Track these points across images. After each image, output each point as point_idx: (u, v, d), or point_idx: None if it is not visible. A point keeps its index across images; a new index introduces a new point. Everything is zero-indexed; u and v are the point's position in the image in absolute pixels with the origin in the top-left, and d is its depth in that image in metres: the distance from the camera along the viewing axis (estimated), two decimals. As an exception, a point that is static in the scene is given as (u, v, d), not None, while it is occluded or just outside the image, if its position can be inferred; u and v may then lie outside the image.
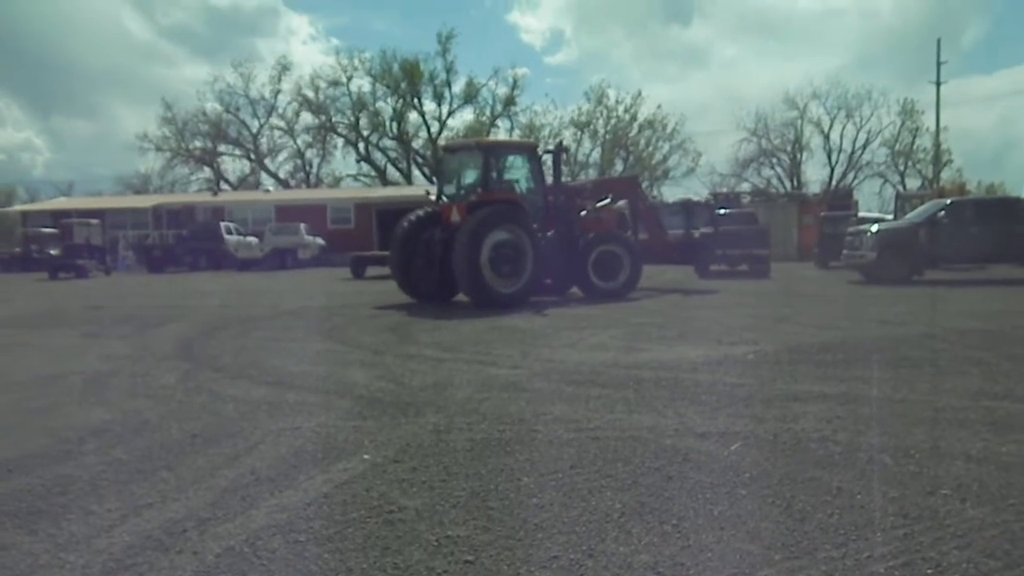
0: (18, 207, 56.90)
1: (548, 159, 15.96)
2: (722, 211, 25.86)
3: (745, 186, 56.70)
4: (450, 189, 15.09)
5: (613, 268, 14.87)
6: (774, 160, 61.13)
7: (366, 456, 4.49)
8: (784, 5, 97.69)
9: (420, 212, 14.76)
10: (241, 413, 5.64)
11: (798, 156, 61.08)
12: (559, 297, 14.98)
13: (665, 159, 61.94)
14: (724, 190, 49.76)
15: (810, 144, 61.23)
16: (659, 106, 60.77)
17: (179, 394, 6.42)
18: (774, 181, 60.43)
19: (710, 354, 7.78)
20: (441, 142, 61.86)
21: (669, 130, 60.73)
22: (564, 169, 17.82)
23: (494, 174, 14.28)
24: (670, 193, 58.85)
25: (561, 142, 17.71)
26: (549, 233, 14.57)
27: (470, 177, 14.64)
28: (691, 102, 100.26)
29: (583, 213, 15.37)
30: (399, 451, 4.59)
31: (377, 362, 7.82)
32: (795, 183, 59.37)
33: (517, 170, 15.13)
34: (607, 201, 16.02)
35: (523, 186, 15.01)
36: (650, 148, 61.73)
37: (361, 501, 3.75)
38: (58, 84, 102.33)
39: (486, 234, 13.15)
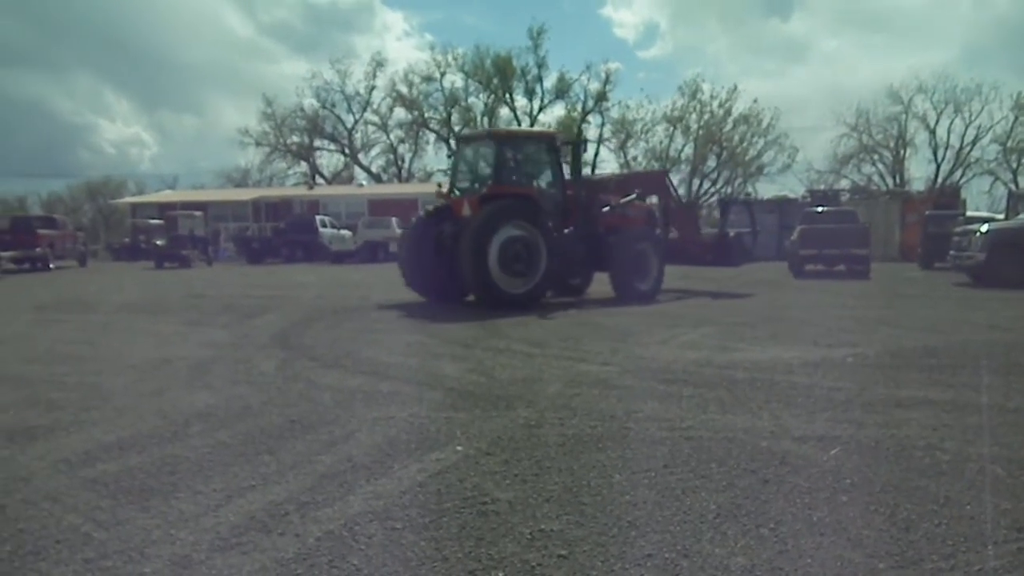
0: (127, 199, 59.75)
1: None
2: (819, 209, 25.12)
3: (844, 183, 54.84)
4: (463, 182, 14.28)
5: (645, 268, 14.20)
6: (875, 156, 58.89)
7: (459, 447, 4.55)
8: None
9: (431, 207, 14.10)
10: (337, 401, 5.79)
11: (901, 152, 58.70)
12: (576, 298, 14.38)
13: (760, 155, 60.33)
14: (822, 187, 48.23)
15: (914, 140, 58.74)
16: (755, 100, 59.29)
17: (278, 381, 6.62)
18: (875, 178, 58.25)
19: (806, 356, 7.57)
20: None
21: (764, 125, 59.14)
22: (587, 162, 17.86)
23: (508, 166, 13.55)
24: (765, 190, 57.40)
25: (581, 133, 17.63)
26: (567, 230, 13.79)
27: (484, 169, 13.80)
28: (789, 97, 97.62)
29: (606, 209, 14.61)
30: (491, 443, 4.62)
31: (467, 355, 7.90)
32: (898, 180, 57.10)
33: (534, 163, 14.27)
34: (632, 197, 15.00)
35: (540, 180, 14.19)
36: (744, 144, 60.23)
37: (455, 491, 3.79)
38: (165, 81, 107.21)
39: (495, 230, 12.43)
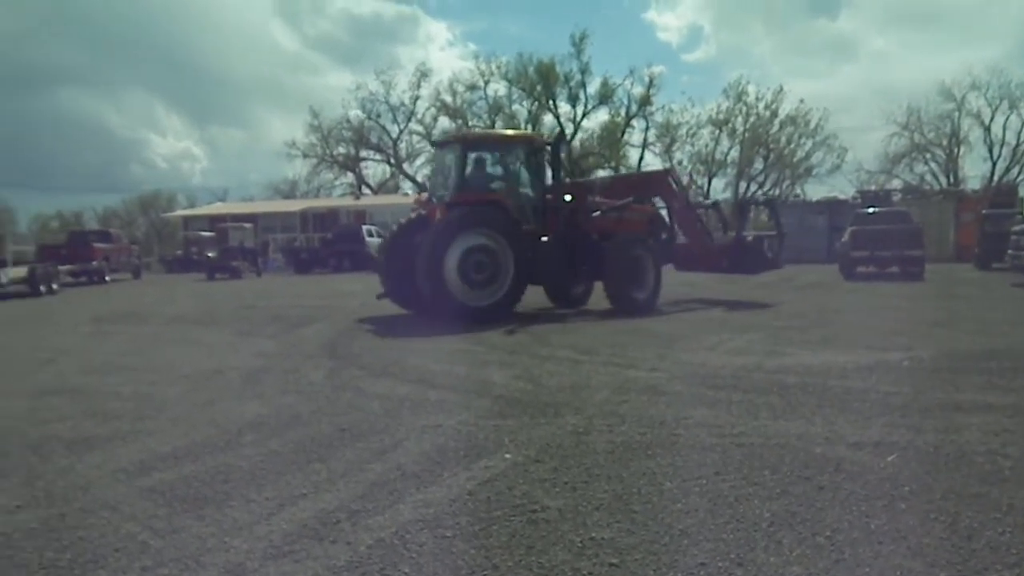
0: (179, 212, 61.04)
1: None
2: (871, 210, 24.62)
3: (896, 183, 53.65)
4: (440, 188, 13.36)
5: (640, 276, 12.96)
6: (928, 155, 57.50)
7: (507, 455, 4.54)
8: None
9: (412, 215, 13.48)
10: (386, 410, 5.82)
11: (955, 150, 57.19)
12: (574, 309, 13.41)
13: (808, 156, 59.37)
14: (872, 187, 47.27)
15: (968, 138, 57.18)
16: (801, 101, 58.53)
17: (327, 390, 6.69)
18: (928, 177, 56.85)
19: (860, 360, 7.42)
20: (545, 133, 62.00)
21: (812, 126, 58.21)
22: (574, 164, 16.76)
23: (477, 172, 12.87)
24: (814, 191, 56.47)
25: (561, 132, 16.34)
26: (544, 238, 12.76)
27: (453, 175, 12.85)
28: (836, 97, 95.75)
29: (596, 213, 13.45)
30: (540, 451, 4.61)
31: (513, 362, 7.89)
32: (951, 179, 55.72)
33: (509, 167, 13.38)
34: (629, 200, 13.91)
35: (516, 184, 13.24)
36: (791, 145, 59.38)
37: (504, 499, 3.79)
38: (214, 96, 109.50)
39: (453, 239, 11.75)
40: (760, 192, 60.95)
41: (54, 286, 23.15)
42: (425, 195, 14.21)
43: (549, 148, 13.41)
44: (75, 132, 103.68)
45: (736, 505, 3.63)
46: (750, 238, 15.24)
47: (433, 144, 14.65)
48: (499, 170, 13.35)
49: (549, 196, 13.06)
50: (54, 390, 7.03)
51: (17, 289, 21.41)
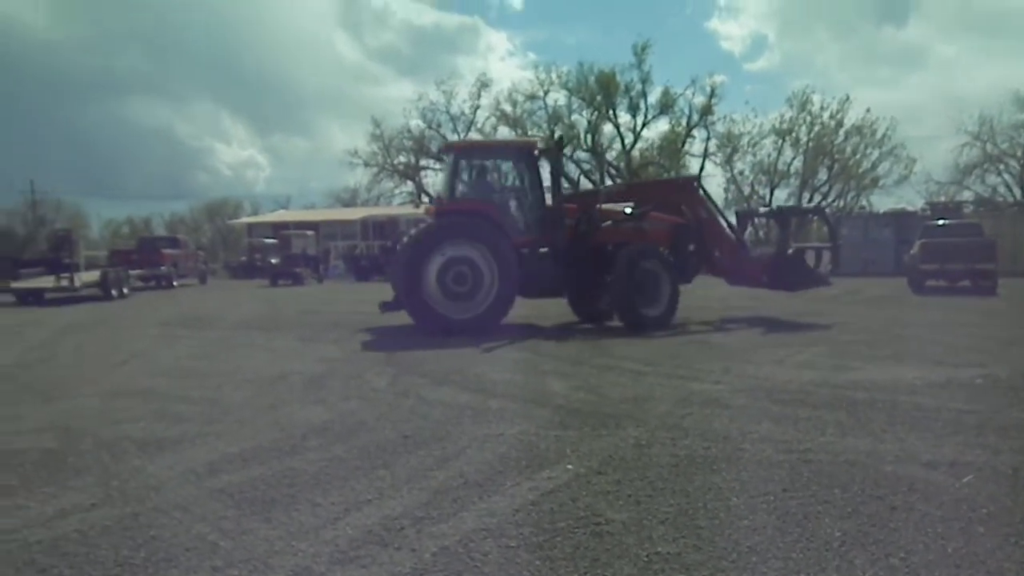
0: (244, 220, 62.40)
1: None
2: (941, 222, 23.95)
3: (967, 195, 52.04)
4: (445, 196, 12.93)
5: (654, 290, 12.02)
6: (1001, 166, 55.53)
7: (569, 466, 4.52)
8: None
9: (423, 225, 12.82)
10: (447, 417, 5.85)
11: (1029, 161, 55.34)
12: (593, 325, 12.69)
13: (874, 167, 57.99)
14: (942, 199, 45.94)
15: (1044, 148, 55.29)
16: (868, 110, 57.14)
17: (389, 397, 6.75)
18: (1000, 189, 55.07)
19: (930, 376, 7.21)
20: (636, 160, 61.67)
21: (879, 136, 56.89)
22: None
23: (467, 180, 12.61)
24: (880, 203, 55.12)
25: (559, 136, 14.33)
26: (543, 249, 12.28)
27: (447, 183, 12.70)
28: (904, 106, 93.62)
29: (607, 223, 12.57)
30: (602, 463, 4.58)
31: (574, 372, 7.86)
32: (1025, 191, 53.86)
33: (502, 175, 13.03)
34: (638, 209, 12.86)
35: (509, 193, 12.89)
36: (857, 155, 58.11)
37: (567, 511, 3.77)
38: (278, 105, 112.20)
39: (431, 250, 11.48)
40: (823, 202, 59.80)
41: (125, 290, 23.84)
42: (433, 205, 13.93)
43: (545, 154, 12.85)
44: (144, 140, 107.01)
45: (805, 523, 3.55)
46: (791, 251, 13.88)
47: (439, 152, 13.62)
48: (493, 178, 13.00)
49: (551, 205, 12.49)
50: (126, 392, 7.23)
51: (90, 292, 22.10)
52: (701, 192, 13.84)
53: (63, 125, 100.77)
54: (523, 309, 13.33)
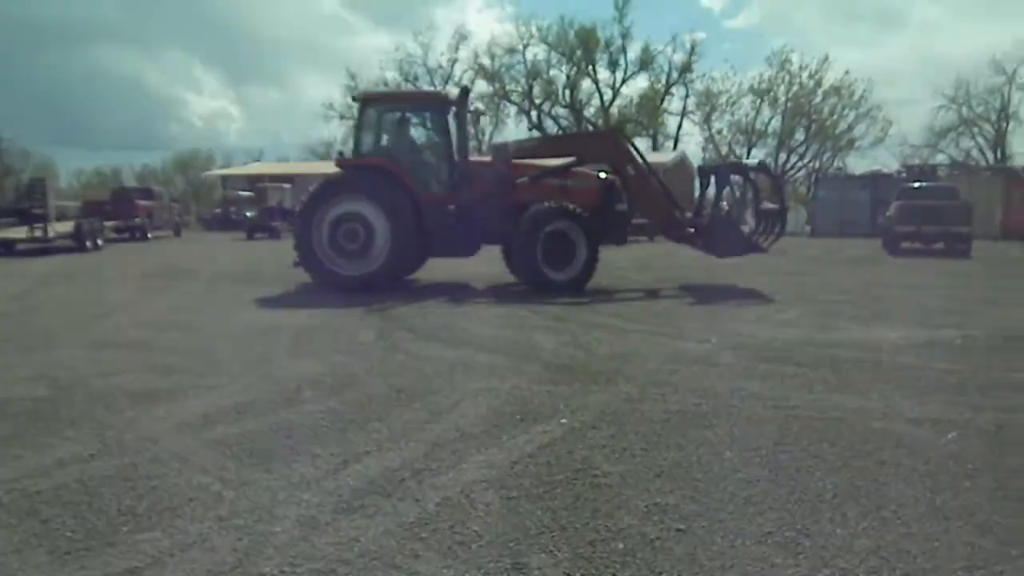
0: (217, 171, 61.53)
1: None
2: (917, 184, 24.18)
3: (941, 158, 52.50)
4: (353, 150, 12.54)
5: (565, 253, 11.20)
6: (975, 130, 56.12)
7: (563, 420, 4.58)
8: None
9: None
10: (438, 372, 5.88)
11: (1003, 126, 55.80)
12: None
13: (851, 128, 58.29)
14: (916, 162, 46.33)
15: (1018, 113, 55.75)
16: (847, 71, 57.22)
17: (378, 351, 6.77)
18: (974, 153, 55.60)
19: (912, 336, 7.35)
20: (613, 111, 61.43)
21: (856, 97, 57.06)
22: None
23: (374, 133, 12.25)
24: (856, 165, 55.45)
25: (464, 87, 12.87)
26: (451, 207, 11.80)
27: (353, 136, 12.42)
28: (882, 67, 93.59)
29: (522, 180, 11.76)
30: (595, 417, 4.64)
31: (561, 329, 7.92)
32: (999, 155, 54.41)
33: (411, 128, 12.58)
34: (569, 162, 12.03)
35: (416, 147, 12.41)
36: (834, 116, 58.31)
37: (565, 463, 3.83)
38: (251, 55, 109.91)
39: (322, 205, 11.35)
40: (800, 163, 60.03)
41: (99, 241, 23.51)
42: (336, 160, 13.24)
43: (452, 106, 12.16)
44: (114, 89, 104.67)
45: (798, 476, 3.64)
46: (723, 213, 12.88)
47: (353, 100, 13.13)
48: (402, 131, 12.48)
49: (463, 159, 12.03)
50: (113, 343, 7.19)
51: (63, 243, 21.80)
52: (627, 146, 12.53)
53: (30, 72, 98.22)
54: (467, 268, 13.18)
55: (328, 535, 3.02)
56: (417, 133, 12.54)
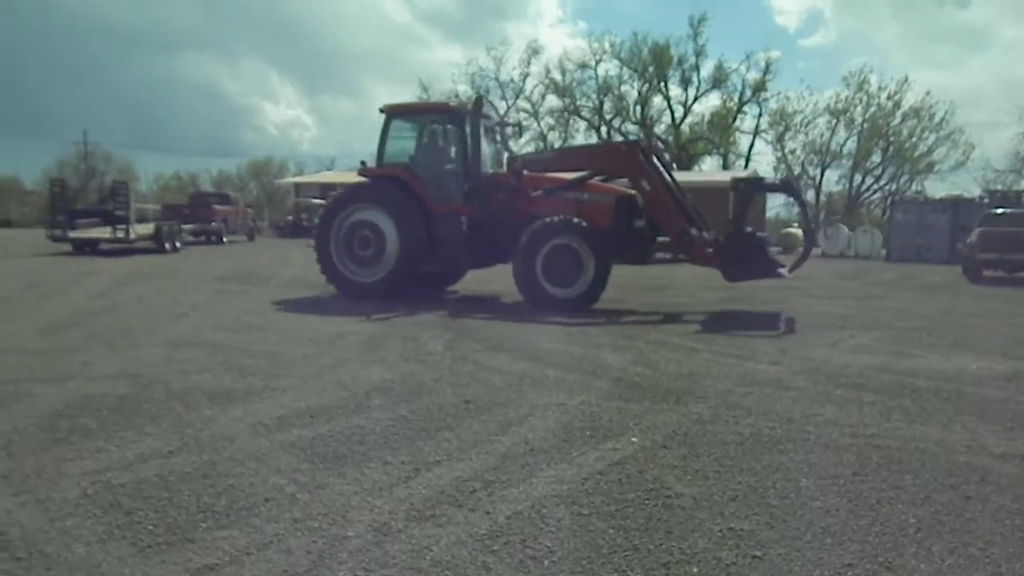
0: (290, 179, 62.91)
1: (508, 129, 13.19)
2: (1000, 210, 23.33)
3: (1026, 184, 50.58)
4: (377, 160, 12.84)
5: (569, 270, 10.77)
6: (1063, 156, 54.00)
7: (634, 439, 4.53)
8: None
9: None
10: (507, 384, 5.89)
11: (1093, 152, 53.52)
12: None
13: (930, 151, 56.63)
14: (1000, 187, 44.75)
15: (1109, 139, 53.48)
16: (927, 93, 55.63)
17: (447, 361, 6.81)
18: (1061, 180, 53.48)
19: (995, 367, 7.07)
20: (683, 128, 60.94)
21: (937, 120, 55.47)
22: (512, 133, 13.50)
23: (394, 143, 12.32)
24: (934, 189, 53.84)
25: (478, 97, 12.58)
26: (463, 218, 11.69)
27: (378, 146, 12.50)
28: (964, 89, 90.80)
29: (537, 193, 11.47)
30: (666, 437, 4.58)
31: (629, 346, 7.85)
32: (1088, 183, 52.15)
33: (428, 138, 12.47)
34: (582, 176, 11.67)
35: (433, 158, 12.29)
36: (913, 139, 56.75)
37: (636, 483, 3.78)
38: (326, 66, 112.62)
39: (340, 212, 11.86)
40: (875, 185, 58.59)
41: (177, 244, 24.26)
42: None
43: (468, 116, 11.99)
44: (193, 97, 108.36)
45: (878, 508, 3.53)
46: (744, 233, 11.26)
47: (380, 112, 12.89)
48: (421, 142, 12.48)
49: (487, 172, 12.06)
50: (191, 343, 7.39)
51: (143, 245, 22.54)
52: (641, 159, 11.47)
53: (115, 78, 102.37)
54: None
55: (401, 542, 3.04)
56: (435, 144, 12.50)
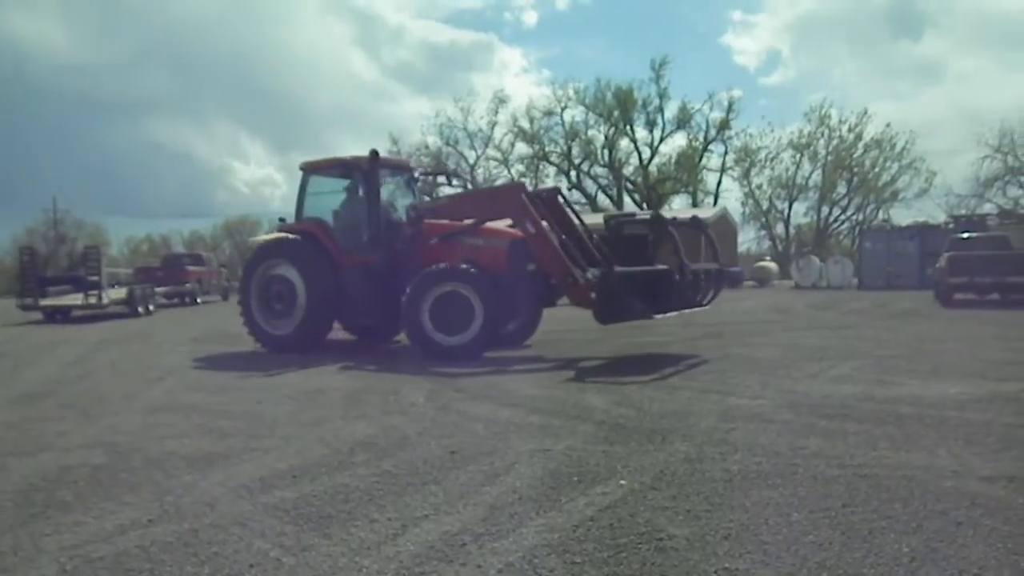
0: (263, 237, 62.81)
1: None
2: (966, 235, 23.76)
3: (989, 207, 51.61)
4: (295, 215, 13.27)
5: (457, 316, 10.56)
6: (1023, 178, 55.28)
7: (622, 482, 4.49)
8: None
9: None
10: (492, 433, 5.83)
11: (1051, 173, 54.76)
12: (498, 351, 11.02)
13: (894, 180, 57.92)
14: (964, 212, 45.63)
15: (1068, 159, 54.72)
16: (887, 124, 57.00)
17: (430, 412, 6.74)
18: (1023, 201, 54.62)
19: (975, 391, 7.12)
20: (651, 168, 61.68)
21: (898, 149, 56.77)
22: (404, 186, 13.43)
23: (311, 198, 12.80)
24: (899, 216, 54.78)
25: (372, 151, 12.17)
26: (364, 269, 11.92)
27: (296, 202, 13.05)
28: (923, 119, 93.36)
29: (433, 241, 11.53)
30: (654, 478, 4.54)
31: (612, 388, 7.83)
32: (1049, 203, 53.28)
33: (339, 192, 12.80)
34: (470, 223, 11.48)
35: (344, 210, 12.64)
36: (876, 169, 58.00)
37: (627, 526, 3.74)
38: (296, 123, 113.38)
39: (255, 268, 12.46)
40: (844, 217, 59.43)
41: (151, 307, 24.04)
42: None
43: (362, 174, 12.22)
44: (164, 160, 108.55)
45: (871, 539, 3.50)
46: (613, 273, 10.14)
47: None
48: (331, 196, 12.82)
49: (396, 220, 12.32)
50: (166, 407, 7.27)
51: (117, 309, 22.31)
52: (525, 201, 10.82)
53: (83, 144, 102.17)
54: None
55: (391, 602, 2.97)
56: (342, 198, 12.77)
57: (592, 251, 11.12)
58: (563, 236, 10.89)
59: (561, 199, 11.80)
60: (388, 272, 11.73)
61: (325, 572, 3.28)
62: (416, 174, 13.84)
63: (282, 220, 13.43)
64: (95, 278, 21.96)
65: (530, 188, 12.35)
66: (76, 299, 21.92)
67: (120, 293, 23.32)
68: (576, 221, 11.52)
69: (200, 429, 6.22)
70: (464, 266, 10.73)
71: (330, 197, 12.71)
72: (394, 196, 13.03)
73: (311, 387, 8.24)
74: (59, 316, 22.02)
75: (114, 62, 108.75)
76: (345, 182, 12.71)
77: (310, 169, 12.89)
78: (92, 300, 21.43)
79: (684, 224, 11.81)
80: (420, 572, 3.25)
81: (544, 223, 10.67)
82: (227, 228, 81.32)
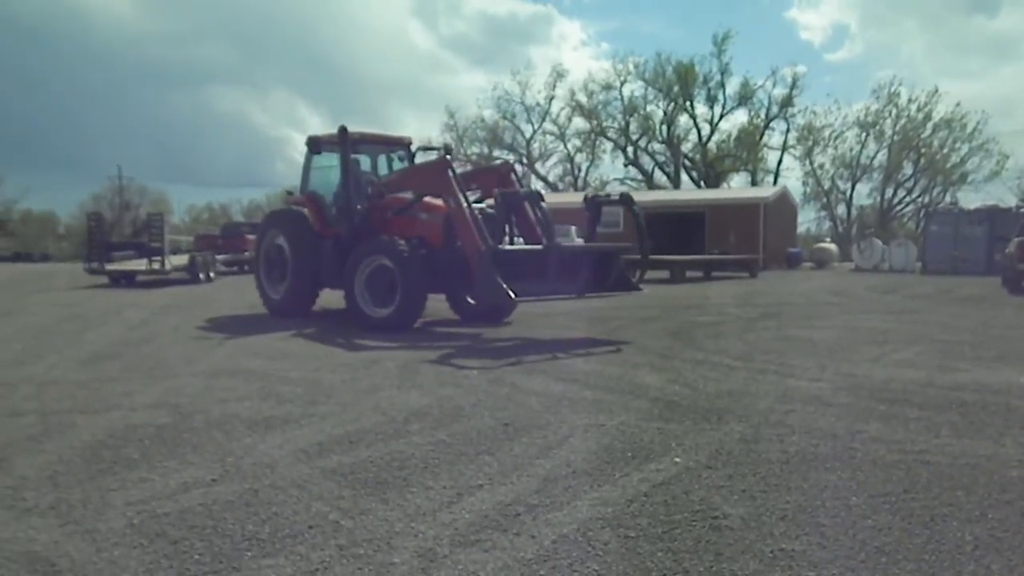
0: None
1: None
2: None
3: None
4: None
5: (384, 289, 10.95)
6: (1100, 162, 53.07)
7: (677, 459, 4.47)
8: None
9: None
10: (545, 406, 5.85)
11: None
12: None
13: (963, 162, 56.06)
14: (1036, 196, 44.04)
15: None
16: (958, 104, 55.06)
17: (483, 384, 6.78)
18: (1100, 186, 52.55)
19: (1043, 379, 6.91)
20: (710, 145, 60.73)
21: (969, 130, 54.86)
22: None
23: (312, 173, 13.47)
24: (967, 199, 53.12)
25: (342, 127, 12.43)
26: (335, 241, 12.43)
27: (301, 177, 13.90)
28: (995, 99, 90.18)
29: (390, 215, 11.97)
30: (710, 457, 4.51)
31: (666, 366, 7.78)
32: None
33: (332, 168, 13.14)
34: (416, 197, 11.71)
35: (333, 185, 13.10)
36: (945, 150, 56.18)
37: (682, 504, 3.72)
38: (353, 94, 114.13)
39: (262, 240, 13.66)
40: (909, 199, 57.88)
41: (211, 274, 24.55)
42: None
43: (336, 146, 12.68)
44: (224, 129, 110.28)
45: (932, 525, 3.44)
46: (480, 249, 9.84)
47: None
48: (325, 172, 13.42)
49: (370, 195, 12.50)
50: (227, 371, 7.44)
51: (179, 275, 22.84)
52: (449, 176, 10.79)
53: (147, 113, 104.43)
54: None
55: (447, 568, 3.01)
56: (330, 173, 13.27)
57: (535, 229, 11.03)
58: (512, 215, 11.11)
59: (513, 176, 12.25)
60: (351, 246, 12.02)
61: (382, 536, 3.33)
62: (413, 149, 14.25)
63: (290, 193, 14.54)
64: (158, 244, 22.47)
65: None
66: (140, 264, 22.51)
67: (182, 260, 23.84)
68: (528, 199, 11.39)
69: (259, 393, 6.36)
70: (392, 240, 11.09)
71: (332, 172, 13.27)
72: (392, 171, 13.54)
73: (366, 357, 8.35)
74: (124, 280, 22.64)
75: (177, 32, 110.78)
76: (330, 157, 13.29)
77: (311, 144, 13.44)
78: (155, 266, 21.96)
79: (612, 201, 13.38)
80: (475, 540, 3.28)
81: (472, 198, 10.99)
82: (284, 198, 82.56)
